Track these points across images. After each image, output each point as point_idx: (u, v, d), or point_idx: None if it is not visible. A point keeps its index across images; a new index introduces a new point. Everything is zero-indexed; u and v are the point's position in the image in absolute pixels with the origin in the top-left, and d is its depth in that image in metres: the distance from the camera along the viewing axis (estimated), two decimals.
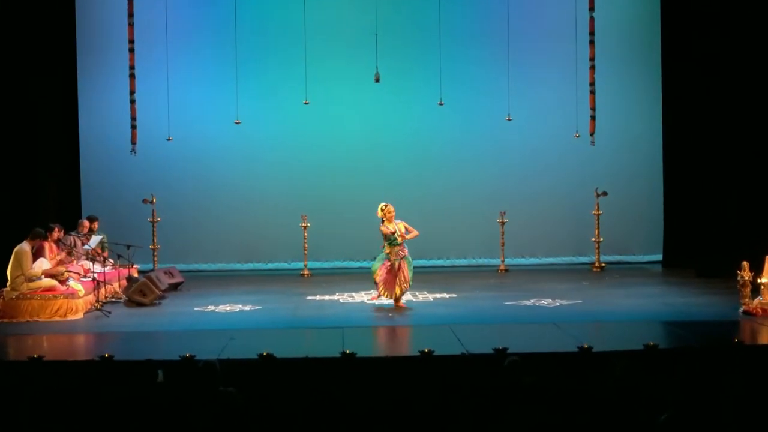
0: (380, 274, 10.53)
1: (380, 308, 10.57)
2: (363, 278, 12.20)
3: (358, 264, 14.53)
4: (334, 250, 14.78)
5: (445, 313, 10.23)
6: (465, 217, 14.79)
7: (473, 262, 14.89)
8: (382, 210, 10.56)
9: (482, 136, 14.82)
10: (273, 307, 10.84)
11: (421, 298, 11.34)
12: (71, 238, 12.01)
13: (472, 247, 14.89)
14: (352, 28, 14.37)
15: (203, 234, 14.73)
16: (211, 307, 10.84)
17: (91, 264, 11.59)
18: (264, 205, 14.79)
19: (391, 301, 10.62)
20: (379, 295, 10.63)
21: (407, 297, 11.12)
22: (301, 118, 14.49)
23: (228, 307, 10.81)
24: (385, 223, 10.56)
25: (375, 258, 10.83)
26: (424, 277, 12.95)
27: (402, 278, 10.51)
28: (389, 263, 10.49)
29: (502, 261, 14.21)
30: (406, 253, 10.58)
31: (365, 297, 11.28)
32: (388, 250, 10.53)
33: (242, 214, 14.78)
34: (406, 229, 10.63)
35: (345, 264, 14.79)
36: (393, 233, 10.48)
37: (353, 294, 11.75)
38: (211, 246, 14.71)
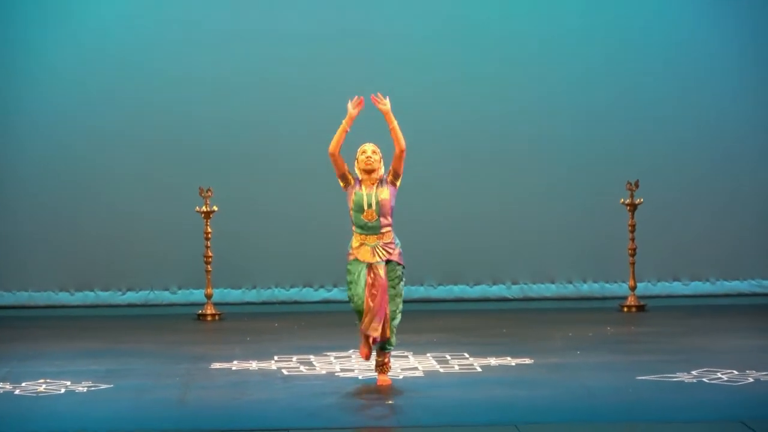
0: (367, 306, 10.46)
1: (369, 387, 10.61)
2: (331, 323, 12.42)
3: (319, 295, 14.64)
4: (268, 267, 15.05)
5: (508, 397, 10.38)
6: (547, 202, 15.16)
7: (568, 291, 15.24)
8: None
9: (581, 37, 15.13)
10: (139, 386, 10.97)
11: (457, 367, 11.54)
12: None
13: (564, 263, 15.25)
14: None
15: None
16: (5, 386, 10.92)
17: None
18: (119, 171, 15.05)
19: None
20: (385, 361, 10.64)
21: (429, 364, 11.26)
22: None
23: (42, 386, 10.90)
24: (363, 181, 10.45)
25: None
26: (464, 322, 13.13)
27: (375, 298, 10.34)
28: (370, 275, 10.39)
29: (632, 289, 14.49)
30: (394, 255, 10.41)
31: (338, 366, 11.45)
32: (355, 245, 10.44)
33: (76, 190, 15.05)
34: (394, 172, 10.46)
35: (291, 294, 15.07)
36: (348, 192, 10.41)
37: (310, 357, 11.92)
38: (12, 258, 14.98)
